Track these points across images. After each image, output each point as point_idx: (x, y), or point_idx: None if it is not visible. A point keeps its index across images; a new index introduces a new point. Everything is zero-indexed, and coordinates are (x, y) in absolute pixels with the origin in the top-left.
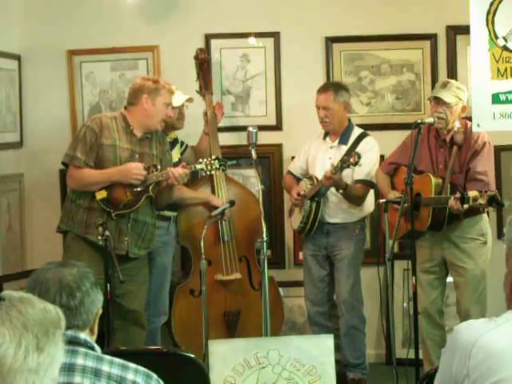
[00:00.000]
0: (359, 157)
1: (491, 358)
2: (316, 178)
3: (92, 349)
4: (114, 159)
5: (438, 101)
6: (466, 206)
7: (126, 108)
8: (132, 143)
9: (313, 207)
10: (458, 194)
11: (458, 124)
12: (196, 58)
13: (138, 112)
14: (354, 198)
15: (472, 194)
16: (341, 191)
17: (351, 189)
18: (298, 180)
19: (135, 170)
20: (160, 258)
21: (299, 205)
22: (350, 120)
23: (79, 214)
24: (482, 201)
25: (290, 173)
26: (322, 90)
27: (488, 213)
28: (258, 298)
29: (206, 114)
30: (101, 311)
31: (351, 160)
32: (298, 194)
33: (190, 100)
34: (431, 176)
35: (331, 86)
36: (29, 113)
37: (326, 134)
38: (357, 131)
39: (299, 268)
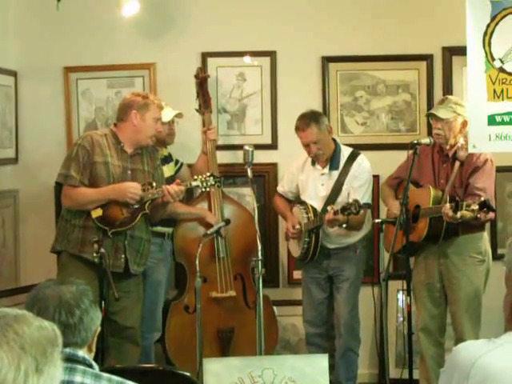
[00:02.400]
0: (360, 206)
1: (490, 379)
2: (312, 207)
3: (90, 366)
4: (107, 176)
5: (436, 117)
6: (459, 214)
7: (115, 124)
8: (123, 160)
9: (312, 238)
10: (452, 202)
11: (461, 140)
12: (196, 76)
13: (128, 128)
14: (355, 226)
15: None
16: (344, 226)
17: (352, 220)
18: (290, 202)
19: (132, 189)
20: (153, 274)
21: (296, 237)
22: (335, 141)
23: (74, 233)
24: (474, 206)
25: (280, 195)
26: (304, 126)
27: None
28: (251, 316)
29: (204, 132)
30: (99, 329)
31: (352, 209)
32: (294, 227)
33: (179, 115)
34: (431, 188)
35: (311, 119)
36: (25, 129)
37: (315, 160)
38: (345, 152)
39: (293, 287)
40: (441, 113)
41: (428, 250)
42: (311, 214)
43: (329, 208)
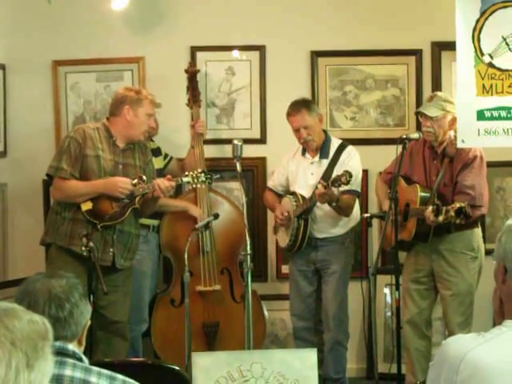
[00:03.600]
0: (350, 176)
1: (479, 373)
2: (301, 196)
3: (80, 360)
4: (98, 170)
5: (425, 115)
6: (440, 217)
7: (108, 119)
8: (115, 154)
9: (301, 224)
10: (434, 206)
11: (452, 135)
12: (186, 70)
13: (121, 123)
14: (344, 209)
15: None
16: (334, 204)
17: (342, 200)
18: (279, 196)
19: (122, 184)
20: (138, 265)
21: (285, 224)
22: (326, 132)
23: (64, 226)
24: (452, 212)
25: (270, 190)
26: (294, 111)
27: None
28: (238, 310)
29: (192, 126)
30: (89, 323)
31: (342, 179)
32: (283, 214)
33: (157, 105)
34: (418, 187)
35: (301, 104)
36: (13, 122)
37: (305, 150)
38: (335, 142)
39: (282, 281)
40: (430, 111)
41: (420, 246)
42: (301, 203)
43: (319, 186)
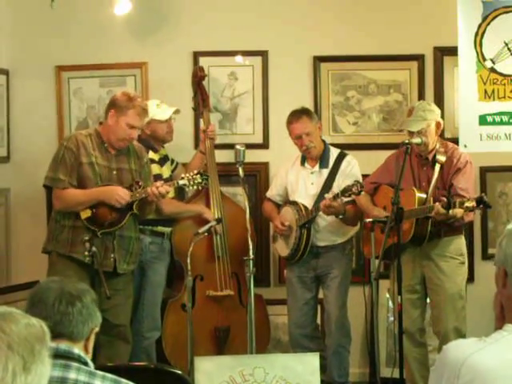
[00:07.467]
0: (362, 186)
1: (480, 378)
2: (303, 206)
3: (85, 364)
4: (94, 177)
5: (409, 131)
6: (451, 211)
7: (101, 123)
8: (108, 160)
9: (303, 234)
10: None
11: (437, 145)
12: (194, 75)
13: (106, 126)
14: (351, 220)
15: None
16: (340, 216)
17: (349, 212)
18: (278, 206)
19: (120, 195)
20: (153, 273)
21: (284, 234)
22: (324, 141)
23: (64, 234)
24: (469, 203)
25: (269, 200)
26: (296, 118)
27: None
28: (246, 315)
29: (204, 131)
30: (97, 329)
31: (354, 189)
32: (283, 224)
33: (176, 112)
34: (415, 190)
35: (302, 112)
36: (16, 128)
37: (304, 159)
38: (334, 152)
39: (284, 286)
40: (412, 126)
41: (409, 252)
42: (303, 213)
43: (326, 195)
